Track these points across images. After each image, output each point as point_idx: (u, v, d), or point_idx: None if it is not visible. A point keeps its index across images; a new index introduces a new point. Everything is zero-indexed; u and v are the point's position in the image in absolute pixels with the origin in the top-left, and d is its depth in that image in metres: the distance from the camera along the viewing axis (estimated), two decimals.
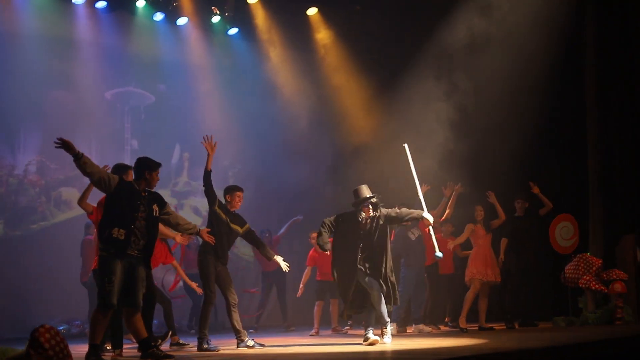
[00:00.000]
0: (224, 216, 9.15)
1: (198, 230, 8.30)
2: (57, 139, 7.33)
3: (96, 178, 7.43)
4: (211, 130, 14.21)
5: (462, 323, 11.27)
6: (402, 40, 14.45)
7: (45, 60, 12.80)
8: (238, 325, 9.03)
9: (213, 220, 9.13)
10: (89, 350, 7.41)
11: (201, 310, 9.14)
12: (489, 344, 8.57)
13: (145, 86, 14.03)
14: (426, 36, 13.84)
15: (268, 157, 15.13)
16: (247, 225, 9.39)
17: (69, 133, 12.60)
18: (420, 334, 10.93)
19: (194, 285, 10.40)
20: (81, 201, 8.87)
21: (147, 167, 7.74)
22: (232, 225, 9.24)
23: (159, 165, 7.83)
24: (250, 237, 9.48)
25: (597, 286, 11.53)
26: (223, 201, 9.32)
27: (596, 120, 13.01)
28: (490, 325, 11.50)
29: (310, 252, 12.17)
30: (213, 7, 14.25)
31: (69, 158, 7.35)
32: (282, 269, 9.45)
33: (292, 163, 14.84)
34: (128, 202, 7.49)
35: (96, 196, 8.35)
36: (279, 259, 9.38)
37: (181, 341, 9.61)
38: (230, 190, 9.40)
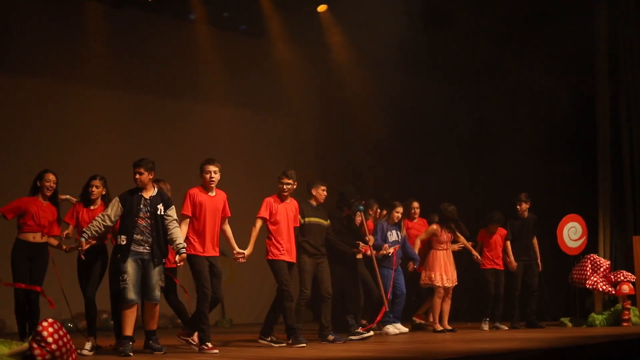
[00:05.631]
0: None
1: (180, 251, 8.13)
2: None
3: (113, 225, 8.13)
4: (217, 128, 14.42)
5: (437, 327, 11.04)
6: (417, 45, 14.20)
7: (53, 56, 12.76)
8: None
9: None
10: (117, 341, 8.15)
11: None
12: (488, 344, 8.56)
13: (152, 82, 13.96)
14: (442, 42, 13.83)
15: (269, 161, 14.97)
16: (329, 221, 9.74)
17: (71, 129, 12.82)
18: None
19: None
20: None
21: (133, 167, 8.18)
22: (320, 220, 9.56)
23: (136, 163, 8.14)
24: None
25: (604, 287, 11.49)
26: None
27: (606, 120, 13.01)
28: (452, 326, 11.25)
29: None
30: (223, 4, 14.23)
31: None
32: None
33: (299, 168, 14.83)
34: (130, 210, 8.02)
35: None
36: None
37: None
38: (314, 185, 9.62)
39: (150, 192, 8.14)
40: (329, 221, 9.73)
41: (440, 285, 11.10)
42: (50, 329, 6.17)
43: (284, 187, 9.20)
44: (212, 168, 8.54)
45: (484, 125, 13.71)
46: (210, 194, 8.57)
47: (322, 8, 14.77)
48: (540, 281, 12.09)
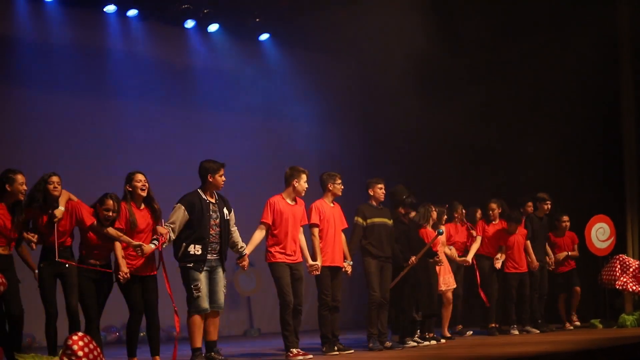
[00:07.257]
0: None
1: (242, 253, 8.08)
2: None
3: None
4: (239, 139, 14.40)
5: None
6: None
7: (76, 70, 12.83)
8: None
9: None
10: (192, 354, 7.71)
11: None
12: (518, 347, 8.51)
13: (175, 94, 13.98)
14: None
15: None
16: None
17: (96, 141, 12.89)
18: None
19: None
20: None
21: (209, 170, 7.83)
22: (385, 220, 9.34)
23: (221, 165, 7.87)
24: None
25: (634, 288, 11.39)
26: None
27: (631, 117, 12.94)
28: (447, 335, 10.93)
29: None
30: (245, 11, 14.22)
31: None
32: None
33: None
34: (200, 217, 7.68)
35: None
36: None
37: None
38: (371, 184, 9.39)
39: (213, 197, 7.88)
40: (392, 221, 9.44)
41: None
42: (81, 343, 6.24)
43: (340, 187, 8.98)
44: (306, 177, 8.52)
45: (507, 127, 13.59)
46: (290, 202, 8.47)
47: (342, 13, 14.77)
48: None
